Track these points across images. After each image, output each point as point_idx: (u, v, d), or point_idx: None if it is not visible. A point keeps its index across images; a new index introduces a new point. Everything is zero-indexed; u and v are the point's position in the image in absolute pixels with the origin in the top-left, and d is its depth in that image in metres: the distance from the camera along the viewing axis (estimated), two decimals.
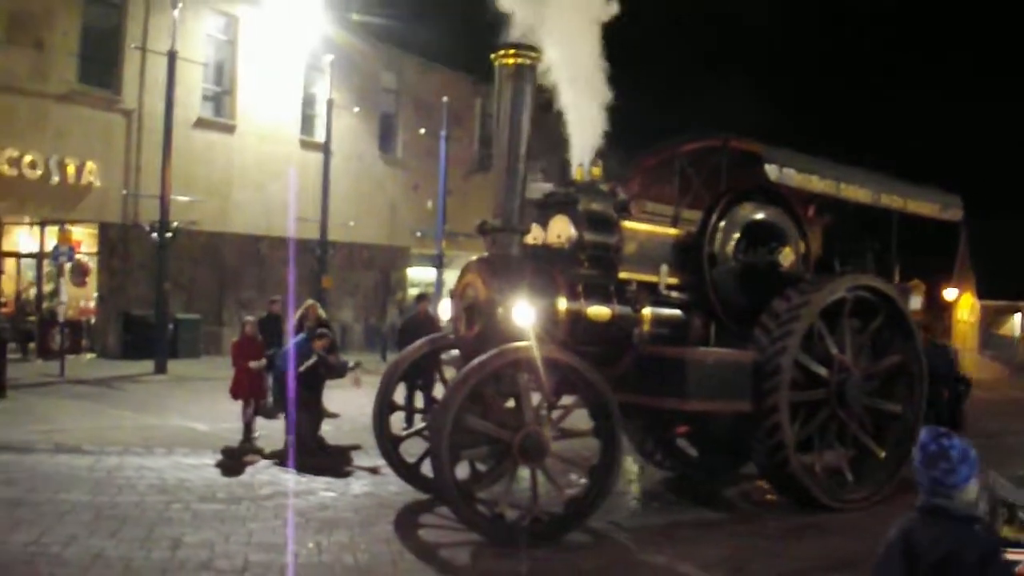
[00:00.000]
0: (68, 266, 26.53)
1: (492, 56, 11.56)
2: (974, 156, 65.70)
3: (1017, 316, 58.71)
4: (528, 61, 11.41)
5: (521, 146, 11.41)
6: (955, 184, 16.36)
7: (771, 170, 12.67)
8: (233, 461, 13.95)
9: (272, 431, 15.59)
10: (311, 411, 14.83)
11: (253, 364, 15.56)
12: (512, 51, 11.41)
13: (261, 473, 13.30)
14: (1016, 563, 4.62)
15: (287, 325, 18.26)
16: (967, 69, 79.83)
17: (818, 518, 12.17)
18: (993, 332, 58.27)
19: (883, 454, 13.32)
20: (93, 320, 29.19)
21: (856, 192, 13.99)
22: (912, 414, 13.59)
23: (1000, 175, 62.66)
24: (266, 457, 14.21)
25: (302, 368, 14.72)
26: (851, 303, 13.17)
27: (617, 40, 12.44)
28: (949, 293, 51.99)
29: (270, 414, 17.16)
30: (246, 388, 15.51)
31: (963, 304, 56.80)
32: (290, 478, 13.04)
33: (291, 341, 15.91)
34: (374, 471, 13.51)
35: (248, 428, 15.44)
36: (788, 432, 12.17)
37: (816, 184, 13.35)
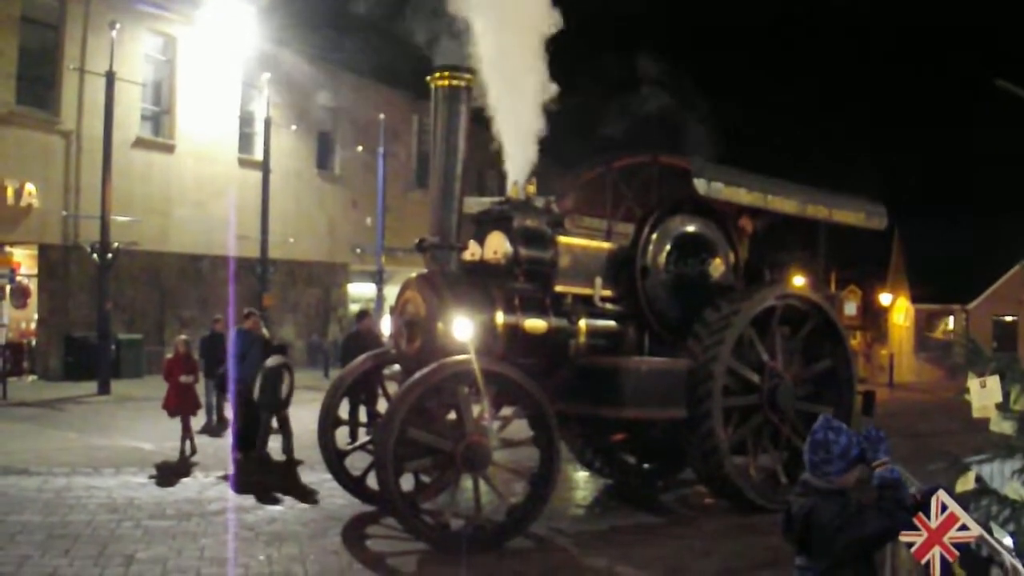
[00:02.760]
0: (8, 288, 26.45)
1: (428, 78, 11.88)
2: (906, 163, 66.80)
3: (950, 319, 59.74)
4: (463, 83, 11.76)
5: (457, 166, 11.75)
6: (887, 190, 16.83)
7: (700, 184, 12.99)
8: (180, 478, 14.12)
9: (218, 448, 15.79)
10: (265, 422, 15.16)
11: (183, 378, 15.84)
12: (447, 73, 11.75)
13: (209, 490, 13.46)
14: (911, 544, 5.00)
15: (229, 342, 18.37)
16: (904, 79, 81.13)
17: (753, 519, 12.50)
18: (929, 335, 59.21)
19: None
20: (34, 342, 29.07)
21: (783, 203, 14.33)
22: (843, 416, 13.97)
23: (931, 181, 63.76)
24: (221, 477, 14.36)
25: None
26: (781, 311, 13.60)
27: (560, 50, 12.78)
28: (884, 298, 52.78)
29: (215, 432, 17.38)
30: (175, 402, 15.81)
31: (898, 308, 57.65)
32: (237, 493, 13.24)
33: (231, 353, 16.13)
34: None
35: (192, 443, 15.69)
36: (722, 437, 12.56)
37: (744, 196, 13.65)
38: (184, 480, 14.04)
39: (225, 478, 14.14)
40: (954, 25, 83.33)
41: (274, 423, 15.52)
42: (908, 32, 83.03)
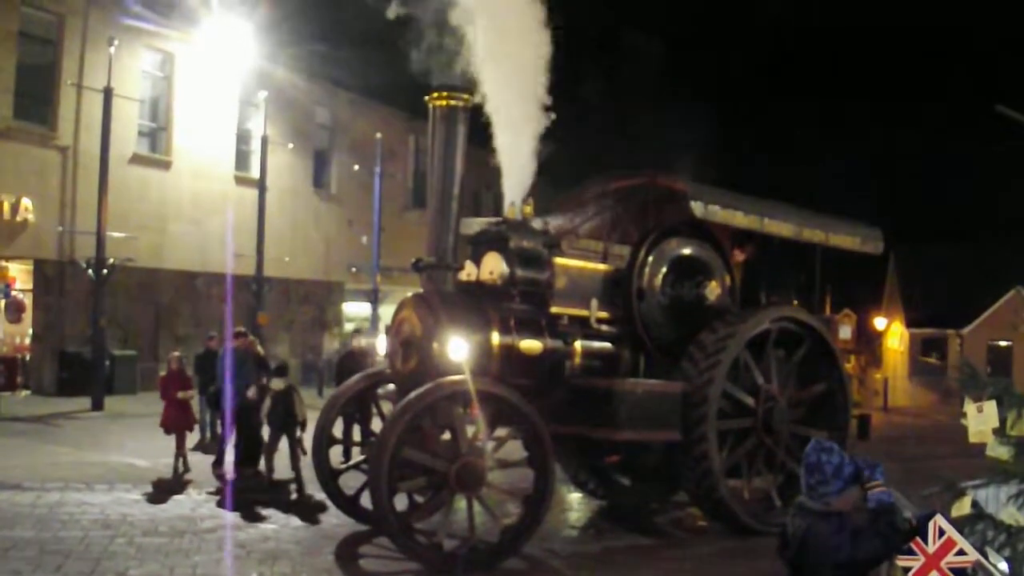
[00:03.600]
0: (3, 303, 26.40)
1: (426, 97, 11.91)
2: (903, 188, 67.00)
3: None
4: (460, 103, 11.79)
5: (453, 186, 11.78)
6: (884, 216, 16.83)
7: (696, 207, 13.02)
8: (173, 495, 14.08)
9: (211, 466, 15.74)
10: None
11: (180, 394, 15.82)
12: (445, 93, 11.78)
13: (202, 507, 13.43)
14: (908, 568, 5.00)
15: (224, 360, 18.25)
16: (898, 100, 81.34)
17: (747, 542, 12.48)
18: (923, 359, 59.12)
19: None
20: (28, 357, 28.95)
21: (779, 227, 14.35)
22: (838, 439, 13.93)
23: (927, 206, 63.84)
24: (213, 493, 14.32)
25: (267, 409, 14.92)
26: (776, 334, 13.60)
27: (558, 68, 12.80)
28: (879, 322, 52.78)
29: (209, 449, 17.30)
30: (173, 420, 15.76)
31: (892, 333, 57.64)
32: (231, 511, 13.20)
33: (227, 375, 16.06)
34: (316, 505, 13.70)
35: (185, 460, 15.64)
36: (716, 459, 12.55)
37: (740, 220, 13.69)
38: (177, 497, 14.00)
39: (218, 492, 14.12)
40: (953, 51, 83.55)
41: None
42: (903, 58, 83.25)
